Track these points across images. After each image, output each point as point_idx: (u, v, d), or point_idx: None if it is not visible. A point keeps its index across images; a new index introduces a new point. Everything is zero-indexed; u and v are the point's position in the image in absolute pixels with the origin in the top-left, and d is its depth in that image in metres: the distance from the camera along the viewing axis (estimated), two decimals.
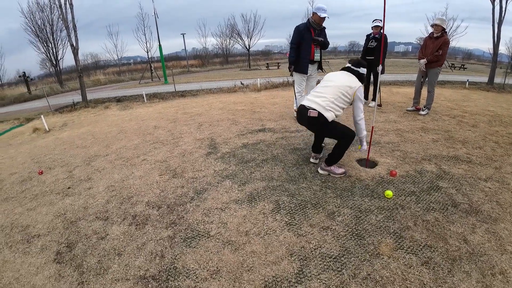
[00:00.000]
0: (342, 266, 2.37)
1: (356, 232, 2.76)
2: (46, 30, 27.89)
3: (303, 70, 5.80)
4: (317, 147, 4.20)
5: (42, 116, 9.24)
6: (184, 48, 46.49)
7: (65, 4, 12.20)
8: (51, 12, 27.08)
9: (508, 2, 12.47)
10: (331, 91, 3.56)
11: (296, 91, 6.09)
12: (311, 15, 5.61)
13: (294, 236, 2.75)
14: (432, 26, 6.49)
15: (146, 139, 6.07)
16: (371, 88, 8.10)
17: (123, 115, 9.25)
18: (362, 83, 3.66)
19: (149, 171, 4.43)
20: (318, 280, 2.24)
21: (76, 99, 12.70)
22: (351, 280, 2.23)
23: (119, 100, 12.59)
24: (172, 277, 2.38)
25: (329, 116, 3.49)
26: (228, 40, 48.01)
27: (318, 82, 5.65)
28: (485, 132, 5.43)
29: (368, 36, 7.48)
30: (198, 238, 2.83)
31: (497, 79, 13.13)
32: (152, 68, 26.63)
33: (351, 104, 3.67)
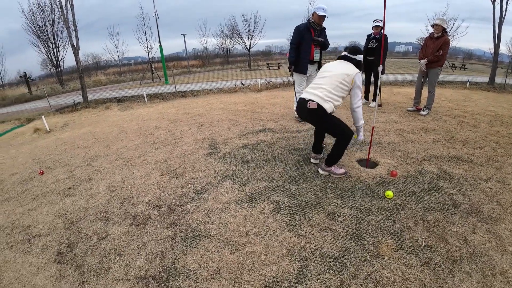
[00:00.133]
0: (343, 266, 2.37)
1: (356, 233, 2.76)
2: (47, 31, 27.92)
3: (302, 71, 5.80)
4: (317, 148, 4.20)
5: (43, 116, 9.26)
6: (184, 48, 46.58)
7: (66, 4, 12.22)
8: (52, 12, 27.11)
9: (508, 2, 12.46)
10: (329, 81, 3.55)
11: (296, 91, 6.09)
12: (311, 15, 5.62)
13: (295, 236, 2.75)
14: (432, 26, 6.49)
15: (146, 139, 6.08)
16: (372, 89, 8.09)
17: (123, 116, 9.26)
18: (360, 70, 3.64)
19: (150, 171, 4.43)
20: (319, 281, 2.24)
21: (77, 100, 12.71)
22: (352, 280, 2.23)
23: (120, 100, 12.60)
24: (172, 277, 2.38)
25: (328, 107, 3.49)
26: (228, 41, 48.08)
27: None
28: (486, 132, 5.43)
29: (368, 36, 7.48)
30: (199, 238, 2.83)
31: (498, 79, 13.12)
32: (153, 69, 26.64)
33: (350, 93, 3.66)
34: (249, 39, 40.94)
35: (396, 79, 13.73)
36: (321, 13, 5.38)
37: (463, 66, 29.47)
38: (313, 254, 2.52)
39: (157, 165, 4.61)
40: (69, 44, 12.75)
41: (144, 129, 6.98)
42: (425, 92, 6.89)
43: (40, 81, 36.66)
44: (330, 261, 2.43)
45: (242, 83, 13.62)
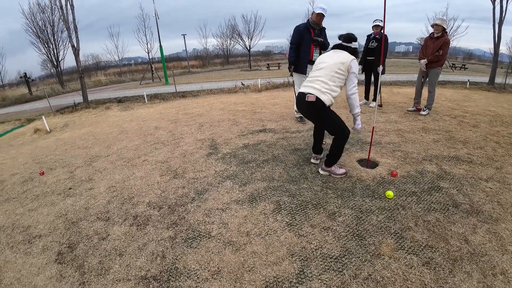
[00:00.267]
0: (343, 266, 2.37)
1: (357, 233, 2.76)
2: (47, 31, 27.93)
3: (302, 70, 5.79)
4: (317, 148, 4.20)
5: (43, 116, 9.27)
6: (184, 48, 46.57)
7: (66, 5, 12.22)
8: (52, 13, 27.13)
9: (508, 2, 12.46)
10: (325, 72, 3.54)
11: (296, 92, 6.09)
12: (311, 15, 5.61)
13: (295, 236, 2.75)
14: (432, 26, 6.49)
15: (147, 139, 6.08)
16: (372, 89, 8.09)
17: (124, 116, 9.26)
18: (356, 58, 3.61)
19: (150, 171, 4.43)
20: (319, 281, 2.24)
21: (77, 100, 12.72)
22: (352, 280, 2.23)
23: (120, 100, 12.60)
24: (173, 277, 2.39)
25: (326, 99, 3.48)
26: (228, 41, 48.06)
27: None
28: (486, 132, 5.43)
29: (368, 36, 7.48)
30: (199, 238, 2.83)
31: (498, 79, 13.11)
32: (153, 69, 26.65)
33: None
34: (249, 39, 40.96)
35: (396, 79, 13.72)
36: (318, 11, 5.37)
37: (463, 66, 29.46)
38: (313, 254, 2.52)
39: (158, 166, 4.62)
40: (69, 45, 12.76)
41: (144, 129, 6.99)
42: (425, 92, 6.89)
43: (40, 82, 36.65)
44: (330, 261, 2.43)
45: (242, 84, 13.62)
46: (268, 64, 36.43)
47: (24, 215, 3.63)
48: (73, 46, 12.56)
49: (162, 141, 5.83)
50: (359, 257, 2.46)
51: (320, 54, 5.88)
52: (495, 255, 2.42)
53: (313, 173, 3.97)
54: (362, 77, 8.42)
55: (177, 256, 2.62)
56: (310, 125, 5.83)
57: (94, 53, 55.03)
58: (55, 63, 29.17)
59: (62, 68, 30.20)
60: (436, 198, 3.28)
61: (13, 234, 3.24)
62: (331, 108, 3.68)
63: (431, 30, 6.58)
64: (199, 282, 2.31)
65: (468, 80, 12.70)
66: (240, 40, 42.19)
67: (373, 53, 7.32)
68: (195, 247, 2.71)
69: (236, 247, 2.67)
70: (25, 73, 25.51)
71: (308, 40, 5.58)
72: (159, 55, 25.77)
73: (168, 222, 3.13)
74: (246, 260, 2.50)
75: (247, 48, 41.31)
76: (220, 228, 2.96)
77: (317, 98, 3.47)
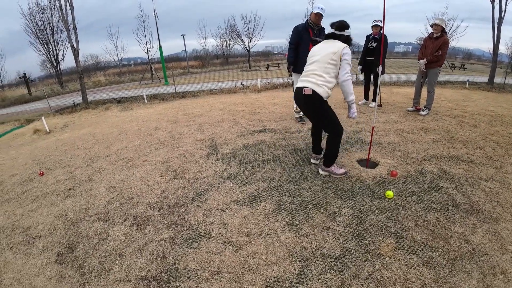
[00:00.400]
0: (343, 266, 2.37)
1: (357, 233, 2.76)
2: (46, 32, 27.94)
3: (301, 71, 5.78)
4: (317, 148, 4.20)
5: (42, 117, 9.26)
6: (184, 49, 46.56)
7: (65, 5, 12.22)
8: (51, 13, 27.14)
9: (508, 2, 12.47)
10: (318, 65, 3.54)
11: None
12: (309, 16, 5.63)
13: (295, 236, 2.76)
14: (431, 26, 6.50)
15: (146, 140, 6.08)
16: (372, 89, 8.09)
17: (123, 116, 9.26)
18: (349, 45, 3.59)
19: (150, 172, 4.43)
20: (319, 281, 2.24)
21: (76, 100, 12.70)
22: (352, 280, 2.23)
23: (119, 101, 12.59)
24: (173, 278, 2.39)
25: (322, 91, 3.49)
26: (228, 41, 48.08)
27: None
28: (486, 132, 5.44)
29: (368, 36, 7.48)
30: (199, 238, 2.83)
31: (497, 79, 13.12)
32: (153, 69, 26.64)
33: None
34: (249, 40, 41.00)
35: (396, 79, 13.73)
36: (316, 11, 5.38)
37: (462, 66, 29.48)
38: (314, 254, 2.52)
39: (158, 166, 4.62)
40: (69, 45, 12.75)
41: (144, 129, 6.99)
42: (424, 92, 6.90)
43: (39, 82, 36.63)
44: (331, 261, 2.43)
45: (241, 84, 13.62)
46: (267, 64, 36.50)
47: (24, 215, 3.63)
48: (72, 46, 12.56)
49: (162, 142, 5.83)
50: (359, 257, 2.46)
51: None
52: (495, 254, 2.42)
53: (313, 173, 3.97)
54: (362, 77, 8.43)
55: (177, 257, 2.62)
56: (309, 125, 5.82)
57: (93, 54, 55.04)
58: (55, 63, 29.18)
59: (61, 69, 30.21)
60: (436, 198, 3.28)
61: (13, 234, 3.24)
62: (328, 103, 3.69)
63: (430, 30, 6.59)
64: (200, 283, 2.31)
65: (468, 80, 12.71)
66: (239, 41, 42.25)
67: (373, 53, 7.32)
68: (195, 248, 2.71)
69: (236, 247, 2.67)
70: (25, 74, 25.52)
71: (307, 40, 5.58)
72: (159, 56, 25.79)
73: (168, 222, 3.13)
74: (246, 260, 2.50)
75: (246, 49, 41.34)
76: (220, 228, 2.96)
77: (314, 91, 3.49)
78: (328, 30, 3.71)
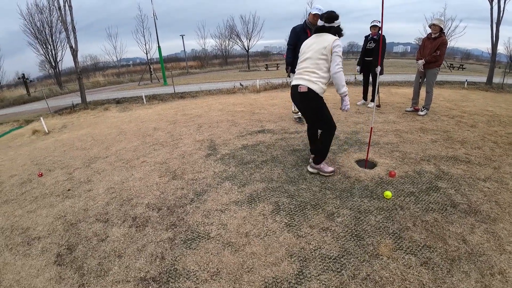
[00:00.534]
0: (342, 267, 2.38)
1: (355, 233, 2.77)
2: (45, 32, 27.94)
3: None
4: (314, 149, 4.20)
5: (41, 118, 9.25)
6: (183, 49, 46.58)
7: (64, 6, 12.22)
8: (50, 14, 27.15)
9: (506, 2, 12.50)
10: (310, 62, 3.56)
11: None
12: (307, 16, 5.64)
13: (294, 237, 2.76)
14: (430, 26, 6.52)
15: (145, 140, 6.08)
16: (370, 89, 8.10)
17: (122, 117, 9.25)
18: (340, 36, 3.58)
19: (149, 172, 4.43)
20: (318, 281, 2.25)
21: (75, 101, 12.70)
22: (351, 280, 2.24)
23: (118, 101, 12.59)
24: (172, 278, 2.39)
25: (317, 88, 3.51)
26: (227, 41, 48.10)
27: None
28: (484, 132, 5.45)
29: (366, 37, 7.50)
30: (198, 239, 2.84)
31: (496, 79, 13.16)
32: (151, 70, 26.63)
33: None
34: (248, 40, 41.01)
35: (395, 80, 13.76)
36: (314, 12, 5.39)
37: (461, 66, 29.55)
38: (312, 254, 2.53)
39: (156, 167, 4.62)
40: (67, 46, 12.75)
41: (143, 130, 6.99)
42: (423, 92, 6.92)
43: (38, 83, 36.60)
44: (329, 262, 2.44)
45: (240, 84, 13.62)
46: (266, 64, 36.51)
47: (23, 216, 3.63)
48: (71, 47, 12.55)
49: (161, 142, 5.83)
50: (358, 257, 2.47)
51: None
52: (493, 254, 2.43)
53: (312, 173, 3.98)
54: (360, 77, 8.45)
55: (176, 257, 2.62)
56: None
57: (92, 54, 55.07)
58: (53, 64, 29.17)
59: (60, 69, 30.19)
60: (434, 198, 3.29)
61: (12, 236, 3.24)
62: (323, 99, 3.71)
63: (429, 30, 6.60)
64: (198, 283, 2.31)
65: (466, 80, 12.73)
66: (238, 41, 42.25)
67: (371, 53, 7.33)
68: (194, 248, 2.72)
69: (235, 248, 2.68)
70: (23, 74, 25.50)
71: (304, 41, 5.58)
72: (158, 56, 25.78)
73: (167, 223, 3.14)
74: (245, 261, 2.50)
75: (245, 49, 41.35)
76: (219, 229, 2.96)
77: (309, 88, 3.51)
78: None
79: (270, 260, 2.49)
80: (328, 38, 3.46)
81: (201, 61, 51.86)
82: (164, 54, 27.51)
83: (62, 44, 28.57)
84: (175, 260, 2.59)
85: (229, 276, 2.36)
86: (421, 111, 6.81)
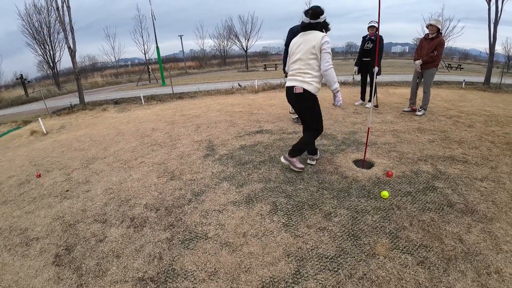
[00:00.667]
0: (339, 266, 2.39)
1: (352, 233, 2.78)
2: (43, 32, 27.95)
3: None
4: (311, 149, 4.22)
5: (39, 118, 9.24)
6: (181, 49, 46.57)
7: (62, 6, 12.21)
8: (48, 14, 27.17)
9: (504, 2, 12.55)
10: (302, 63, 3.57)
11: None
12: None
13: (291, 237, 2.77)
14: (427, 27, 6.54)
15: (144, 141, 6.09)
16: (368, 89, 8.13)
17: (120, 117, 9.26)
18: (326, 32, 3.56)
19: (147, 173, 4.44)
20: (315, 281, 2.26)
21: (73, 102, 12.70)
22: (347, 280, 2.25)
23: (116, 102, 12.59)
24: (170, 278, 2.40)
25: (312, 88, 3.55)
26: (225, 42, 48.12)
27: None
28: (481, 132, 5.47)
29: (364, 37, 7.52)
30: (196, 239, 2.84)
31: (494, 79, 13.20)
32: (150, 70, 26.62)
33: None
34: (246, 40, 41.09)
35: (393, 80, 13.78)
36: None
37: (459, 66, 29.63)
38: (309, 254, 2.54)
39: (155, 167, 4.62)
40: (66, 46, 12.75)
41: (141, 131, 6.99)
42: (420, 92, 6.94)
43: (36, 83, 36.55)
44: (326, 261, 2.45)
45: (239, 85, 13.64)
46: (265, 65, 36.55)
47: (21, 217, 3.63)
48: (69, 47, 12.55)
49: (159, 143, 5.83)
50: (354, 257, 2.48)
51: None
52: (489, 254, 2.44)
53: (310, 174, 3.99)
54: (358, 78, 8.47)
55: (174, 258, 2.63)
56: None
57: (90, 54, 55.23)
58: (51, 64, 29.16)
59: (58, 70, 30.20)
60: (431, 198, 3.30)
61: (11, 236, 3.25)
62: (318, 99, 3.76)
63: (426, 30, 6.63)
64: (196, 283, 2.32)
65: (464, 80, 12.77)
66: (237, 41, 42.30)
67: (369, 54, 7.35)
68: (192, 249, 2.73)
69: (233, 248, 2.69)
70: (21, 75, 25.46)
71: None
72: (156, 56, 25.77)
73: (165, 223, 3.14)
74: (242, 261, 2.51)
75: (244, 49, 41.38)
76: (217, 229, 2.97)
77: (304, 89, 3.55)
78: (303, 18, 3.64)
79: (267, 260, 2.50)
80: (316, 36, 3.45)
81: (199, 61, 51.89)
82: (162, 54, 27.49)
83: (60, 45, 28.64)
84: (173, 260, 2.60)
85: (226, 276, 2.37)
86: (419, 111, 6.83)
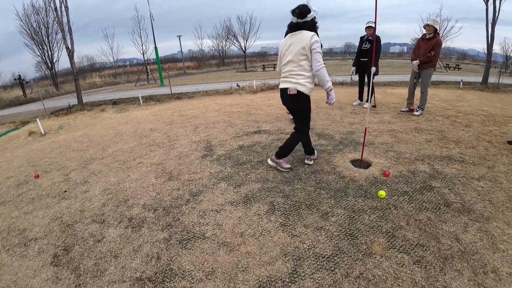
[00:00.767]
0: (335, 265, 2.40)
1: (349, 232, 2.79)
2: (41, 33, 27.83)
3: None
4: (308, 148, 4.22)
5: (37, 119, 9.23)
6: (180, 50, 46.54)
7: (60, 7, 12.19)
8: (46, 14, 27.03)
9: (502, 2, 12.57)
10: (293, 65, 3.59)
11: None
12: None
13: (288, 236, 2.78)
14: (424, 27, 6.56)
15: (142, 141, 6.09)
16: (366, 89, 8.14)
17: (119, 118, 9.25)
18: (315, 31, 3.54)
19: (145, 173, 4.45)
20: (312, 280, 2.27)
21: (71, 102, 12.68)
22: (344, 279, 2.26)
23: (115, 102, 12.59)
24: (168, 278, 2.41)
25: (306, 89, 3.59)
26: (224, 42, 48.10)
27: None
28: (479, 132, 5.49)
29: (361, 38, 7.53)
30: (194, 239, 2.85)
31: (492, 79, 13.23)
32: (148, 70, 26.60)
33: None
34: (245, 41, 41.08)
35: (391, 80, 13.80)
36: None
37: (457, 66, 29.69)
38: (306, 253, 2.55)
39: (153, 168, 4.63)
40: (64, 46, 12.73)
41: (139, 131, 6.99)
42: (418, 92, 6.95)
43: (34, 84, 36.46)
44: (323, 261, 2.46)
45: (237, 85, 13.64)
46: (263, 65, 36.57)
47: (20, 218, 3.63)
48: (67, 48, 12.53)
49: (157, 143, 5.84)
50: (351, 256, 2.49)
51: None
52: (486, 253, 2.45)
53: (307, 174, 4.00)
54: (356, 78, 8.48)
55: (172, 258, 2.64)
56: None
57: (88, 55, 55.15)
58: (50, 65, 29.06)
59: (56, 70, 30.10)
60: (428, 197, 3.32)
61: (9, 237, 3.25)
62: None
63: (424, 31, 6.65)
64: (194, 283, 2.33)
65: (462, 80, 12.80)
66: (235, 41, 42.30)
67: (366, 54, 7.37)
68: (190, 248, 2.73)
69: (230, 247, 2.70)
70: (20, 75, 25.35)
71: None
72: (154, 56, 25.74)
73: (163, 224, 3.15)
74: (240, 261, 2.52)
75: (242, 49, 41.38)
76: (215, 229, 2.98)
77: (298, 91, 3.57)
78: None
79: (264, 259, 2.51)
80: (304, 36, 3.43)
81: (198, 61, 51.85)
82: (161, 54, 27.48)
83: (59, 45, 28.49)
84: (171, 260, 2.61)
85: (224, 275, 2.38)
86: (416, 111, 6.85)
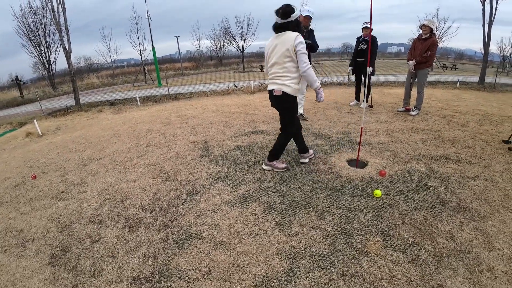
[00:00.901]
0: (331, 264, 2.41)
1: (345, 231, 2.80)
2: (38, 34, 27.85)
3: None
4: (301, 147, 4.24)
5: (35, 120, 9.22)
6: (178, 50, 46.51)
7: (57, 7, 12.18)
8: (43, 15, 27.07)
9: (498, 2, 12.63)
10: (278, 67, 3.61)
11: None
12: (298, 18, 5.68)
13: (285, 236, 2.80)
14: (420, 27, 6.59)
15: (139, 142, 6.10)
16: (363, 89, 8.16)
17: (116, 119, 9.25)
18: (299, 31, 3.53)
19: (142, 174, 4.45)
20: (307, 278, 2.29)
21: (69, 103, 12.68)
22: (339, 278, 2.27)
23: (112, 103, 12.59)
24: (164, 278, 2.42)
25: (291, 90, 3.62)
26: (222, 43, 48.09)
27: (307, 85, 5.70)
28: (475, 131, 5.52)
29: (358, 38, 7.56)
30: (191, 239, 2.86)
31: (488, 79, 13.28)
32: (146, 71, 26.59)
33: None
34: (242, 41, 41.07)
35: (388, 80, 13.84)
36: (305, 14, 5.45)
37: (454, 66, 29.73)
38: (302, 253, 2.56)
39: (150, 168, 4.64)
40: (61, 47, 12.72)
41: (137, 132, 7.00)
42: (414, 92, 6.98)
43: (32, 84, 36.44)
44: (318, 259, 2.47)
45: (235, 85, 13.66)
46: (261, 65, 36.54)
47: (17, 219, 3.64)
48: (64, 48, 12.53)
49: (155, 144, 5.84)
50: (347, 255, 2.50)
51: (309, 56, 5.94)
52: (481, 252, 2.46)
53: (303, 173, 4.02)
54: (353, 78, 8.51)
55: (169, 257, 2.65)
56: None
57: (86, 55, 54.93)
58: (47, 65, 29.04)
59: (54, 71, 30.08)
60: (424, 196, 3.34)
61: (6, 238, 3.25)
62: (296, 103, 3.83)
63: (420, 31, 6.67)
64: (190, 282, 2.34)
65: (458, 80, 12.85)
66: (233, 42, 42.30)
67: (363, 54, 7.39)
68: (187, 248, 2.74)
69: (227, 247, 2.71)
70: (17, 76, 25.32)
71: None
72: (152, 57, 25.73)
73: (160, 224, 3.16)
74: (236, 260, 2.53)
75: (240, 50, 41.38)
76: (211, 229, 2.99)
77: (283, 92, 3.61)
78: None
79: (260, 259, 2.52)
80: (289, 37, 3.43)
81: (196, 62, 51.84)
82: (158, 55, 27.50)
83: (56, 46, 28.52)
84: (168, 260, 2.61)
85: (220, 275, 2.39)
86: (413, 111, 6.88)
